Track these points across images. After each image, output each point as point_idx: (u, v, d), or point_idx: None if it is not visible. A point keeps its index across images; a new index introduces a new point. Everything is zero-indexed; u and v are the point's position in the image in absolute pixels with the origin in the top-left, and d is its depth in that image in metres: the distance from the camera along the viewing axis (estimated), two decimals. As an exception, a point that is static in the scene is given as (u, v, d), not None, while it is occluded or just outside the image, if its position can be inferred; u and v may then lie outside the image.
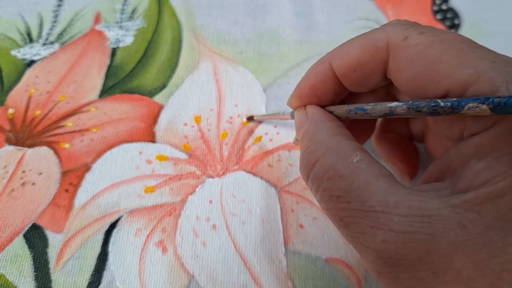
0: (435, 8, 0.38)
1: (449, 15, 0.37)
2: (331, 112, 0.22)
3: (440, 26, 0.37)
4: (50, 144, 0.29)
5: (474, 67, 0.16)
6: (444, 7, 0.38)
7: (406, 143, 0.27)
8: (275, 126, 0.30)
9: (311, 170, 0.19)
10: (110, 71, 0.33)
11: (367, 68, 0.20)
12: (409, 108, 0.18)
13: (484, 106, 0.15)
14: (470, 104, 0.16)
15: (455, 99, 0.17)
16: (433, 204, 0.16)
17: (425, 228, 0.16)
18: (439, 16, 0.37)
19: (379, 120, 0.27)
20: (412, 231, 0.16)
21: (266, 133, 0.30)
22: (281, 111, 0.27)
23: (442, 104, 0.17)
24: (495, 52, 0.17)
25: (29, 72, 0.33)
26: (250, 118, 0.30)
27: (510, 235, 0.15)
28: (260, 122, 0.30)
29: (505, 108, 0.15)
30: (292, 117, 0.25)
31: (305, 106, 0.23)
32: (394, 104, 0.18)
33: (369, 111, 0.20)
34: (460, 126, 0.18)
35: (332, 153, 0.19)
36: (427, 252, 0.16)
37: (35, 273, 0.25)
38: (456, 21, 0.37)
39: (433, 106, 0.17)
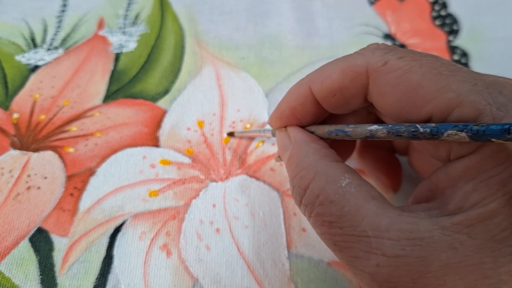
0: (434, 14, 0.38)
1: (448, 21, 0.38)
2: (312, 133, 0.21)
3: (439, 32, 0.37)
4: (54, 149, 0.30)
5: (455, 91, 0.16)
6: (443, 13, 0.38)
7: (388, 157, 0.27)
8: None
9: (302, 196, 0.19)
10: (114, 76, 0.33)
11: (348, 93, 0.20)
12: (389, 132, 0.18)
13: (463, 134, 0.16)
14: (449, 131, 0.16)
15: (434, 125, 0.17)
16: (424, 226, 0.16)
17: (417, 251, 0.16)
18: (438, 22, 0.38)
19: None
20: (404, 255, 0.16)
21: (269, 137, 0.30)
22: (262, 128, 0.27)
23: (421, 130, 0.17)
24: (476, 73, 0.17)
25: (33, 77, 0.33)
26: (231, 134, 0.30)
27: (501, 256, 0.15)
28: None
29: (484, 136, 0.15)
30: (273, 135, 0.25)
31: (285, 127, 0.22)
32: (374, 127, 0.19)
33: (349, 133, 0.20)
34: (446, 148, 0.18)
35: (321, 178, 0.19)
36: (420, 275, 0.16)
37: (40, 277, 0.25)
38: (455, 27, 0.37)
39: (413, 131, 0.17)
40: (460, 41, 0.37)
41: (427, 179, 0.19)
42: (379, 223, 0.17)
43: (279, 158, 0.25)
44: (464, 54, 0.36)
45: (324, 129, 0.21)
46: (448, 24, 0.37)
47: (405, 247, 0.16)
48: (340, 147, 0.25)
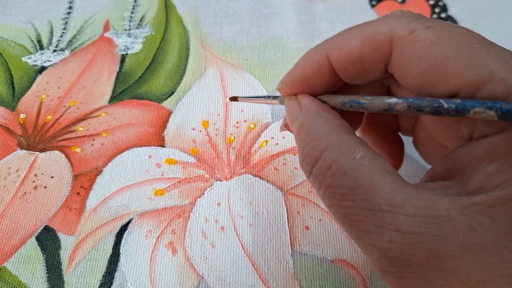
0: (434, 16, 0.39)
1: (448, 23, 0.38)
2: (323, 102, 0.20)
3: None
4: (61, 149, 0.30)
5: (486, 67, 0.16)
6: (443, 15, 0.39)
7: (392, 135, 0.26)
8: (281, 131, 0.31)
9: (313, 165, 0.18)
10: (120, 77, 0.34)
11: (368, 63, 0.19)
12: (409, 106, 0.17)
13: (492, 112, 0.15)
14: (477, 109, 0.15)
15: (460, 101, 0.16)
16: (441, 204, 0.16)
17: (433, 229, 0.15)
18: (439, 25, 0.38)
19: None
20: (420, 232, 0.15)
21: (272, 137, 0.31)
22: (268, 95, 0.25)
23: (446, 105, 0.16)
24: (507, 50, 0.16)
25: (40, 78, 0.33)
26: (234, 99, 0.27)
27: None
28: (264, 125, 0.29)
29: None
30: (281, 102, 0.23)
31: (296, 95, 0.21)
32: (393, 100, 0.17)
33: (366, 105, 0.18)
34: (470, 126, 0.18)
35: (334, 149, 0.18)
36: (435, 254, 0.15)
37: (47, 275, 0.26)
38: (455, 29, 0.38)
39: (436, 107, 0.16)
40: (460, 43, 0.37)
41: (445, 157, 0.18)
42: (394, 198, 0.16)
43: (284, 127, 0.23)
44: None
45: (337, 99, 0.20)
46: (449, 26, 0.38)
47: (421, 224, 0.15)
48: (347, 120, 0.24)
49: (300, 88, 0.21)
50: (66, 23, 0.37)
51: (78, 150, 0.30)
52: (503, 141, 0.16)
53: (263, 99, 0.25)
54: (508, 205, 0.15)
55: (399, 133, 0.26)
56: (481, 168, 0.16)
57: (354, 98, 0.19)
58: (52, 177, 0.29)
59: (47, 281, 0.25)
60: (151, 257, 0.26)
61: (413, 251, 0.16)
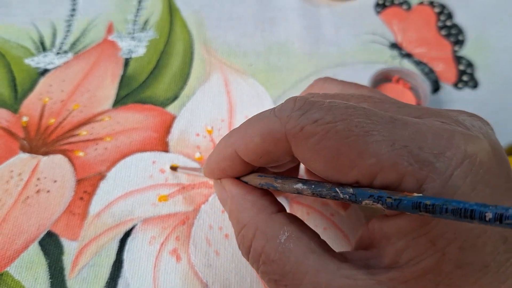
0: (440, 24, 0.39)
1: (453, 31, 0.38)
2: (245, 182, 0.21)
3: (445, 42, 0.38)
4: (64, 152, 0.30)
5: (374, 156, 0.16)
6: (448, 23, 0.39)
7: None
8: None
9: (248, 254, 0.19)
10: (123, 81, 0.33)
11: (274, 154, 0.19)
12: (313, 193, 0.18)
13: (379, 205, 0.16)
14: (366, 201, 0.16)
15: (352, 191, 0.17)
16: (362, 281, 0.17)
17: None
18: (443, 32, 0.38)
19: None
20: None
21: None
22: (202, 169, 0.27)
23: (341, 195, 0.17)
24: (393, 124, 0.17)
25: (42, 81, 0.33)
26: (174, 168, 0.29)
27: None
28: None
29: (399, 208, 0.15)
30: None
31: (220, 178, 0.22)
32: (299, 186, 0.18)
33: (279, 188, 0.19)
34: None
35: (261, 236, 0.19)
36: None
37: (50, 280, 0.25)
38: (460, 37, 0.38)
39: (334, 195, 0.17)
40: (465, 51, 0.37)
41: (366, 226, 0.19)
42: (319, 281, 0.17)
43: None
44: (470, 64, 0.36)
45: (256, 181, 0.21)
46: (454, 34, 0.38)
47: None
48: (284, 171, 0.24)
49: (220, 175, 0.22)
50: (69, 25, 0.36)
51: (81, 154, 0.30)
52: (406, 220, 0.16)
53: (200, 170, 0.26)
54: (420, 280, 0.16)
55: None
56: (392, 243, 0.17)
57: (269, 180, 0.20)
58: (55, 181, 0.29)
59: (50, 287, 0.25)
60: (155, 264, 0.26)
61: None
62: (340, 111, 0.17)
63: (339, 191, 0.17)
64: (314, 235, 0.19)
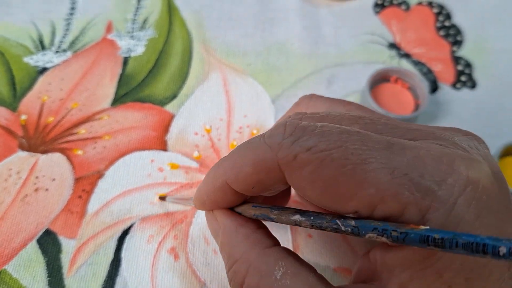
0: (439, 24, 0.39)
1: (452, 31, 0.38)
2: (239, 213, 0.20)
3: (443, 42, 0.38)
4: (63, 151, 0.30)
5: (373, 186, 0.15)
6: (447, 23, 0.39)
7: None
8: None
9: None
10: (122, 80, 0.33)
11: (266, 183, 0.18)
12: (312, 225, 0.17)
13: (384, 238, 0.15)
14: (370, 234, 0.15)
15: (354, 224, 0.16)
16: None
17: None
18: (442, 33, 0.38)
19: None
20: None
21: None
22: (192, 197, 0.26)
23: (343, 228, 0.16)
24: (391, 150, 0.16)
25: (41, 79, 0.33)
26: (162, 198, 0.28)
27: None
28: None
29: (406, 241, 0.14)
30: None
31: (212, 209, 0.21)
32: (297, 218, 0.18)
33: (275, 219, 0.19)
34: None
35: (255, 272, 0.18)
36: None
37: (48, 278, 0.25)
38: (458, 38, 0.38)
39: (335, 228, 0.16)
40: (464, 52, 0.37)
41: (366, 257, 0.18)
42: None
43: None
44: (468, 65, 0.37)
45: (250, 212, 0.20)
46: (452, 34, 0.38)
47: None
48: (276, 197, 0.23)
49: (211, 207, 0.21)
50: (68, 24, 0.36)
51: (80, 152, 0.30)
52: (411, 251, 0.16)
53: (189, 203, 0.25)
54: None
55: None
56: (396, 275, 0.16)
57: (264, 212, 0.19)
58: (53, 179, 0.29)
59: (48, 285, 0.25)
60: (153, 262, 0.26)
61: None
62: (334, 137, 0.16)
63: (340, 224, 0.16)
64: (311, 270, 0.18)
